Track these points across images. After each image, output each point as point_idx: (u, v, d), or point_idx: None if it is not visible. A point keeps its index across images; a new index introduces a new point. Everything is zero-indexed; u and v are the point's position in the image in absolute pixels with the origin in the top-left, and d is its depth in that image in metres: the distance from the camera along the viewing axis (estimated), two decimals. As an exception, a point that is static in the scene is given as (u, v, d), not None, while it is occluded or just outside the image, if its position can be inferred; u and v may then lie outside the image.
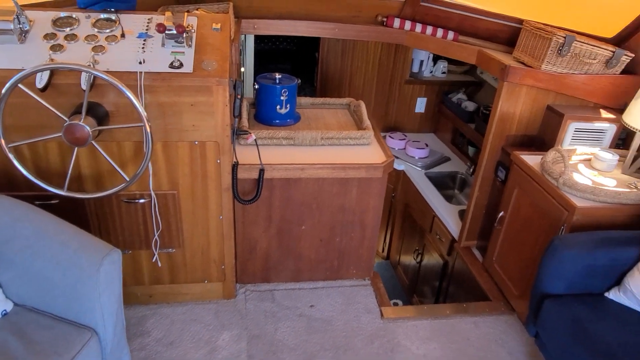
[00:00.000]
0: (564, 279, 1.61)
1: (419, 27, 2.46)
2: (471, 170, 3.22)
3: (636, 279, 1.53)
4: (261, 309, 2.04)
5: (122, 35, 1.61)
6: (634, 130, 1.87)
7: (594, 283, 1.63)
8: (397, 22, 2.45)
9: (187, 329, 1.91)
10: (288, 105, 2.09)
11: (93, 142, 1.47)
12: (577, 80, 2.09)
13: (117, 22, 1.63)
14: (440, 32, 2.45)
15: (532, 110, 2.18)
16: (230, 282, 2.03)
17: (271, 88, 2.04)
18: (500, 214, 2.18)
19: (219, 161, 1.71)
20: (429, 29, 2.46)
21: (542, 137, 2.20)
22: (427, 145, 3.44)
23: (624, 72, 2.14)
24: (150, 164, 1.66)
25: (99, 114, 1.52)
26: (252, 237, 2.03)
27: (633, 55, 2.08)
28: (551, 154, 1.92)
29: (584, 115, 2.08)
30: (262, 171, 1.79)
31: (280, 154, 1.92)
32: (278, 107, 2.07)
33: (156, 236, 1.82)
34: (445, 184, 3.34)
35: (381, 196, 2.01)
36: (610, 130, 2.13)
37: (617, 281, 1.62)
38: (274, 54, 4.81)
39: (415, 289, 3.25)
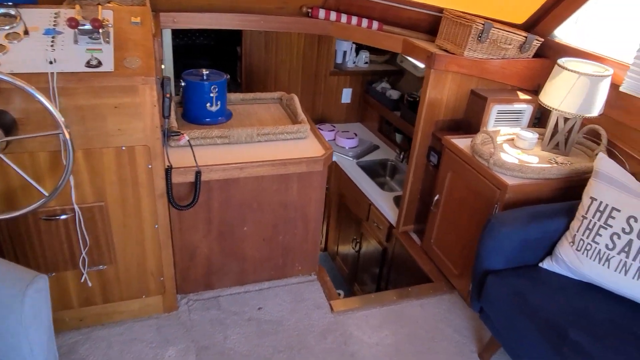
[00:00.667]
0: (502, 254, 1.69)
1: (344, 18, 2.46)
2: (401, 156, 3.31)
3: (566, 248, 1.64)
4: (207, 319, 1.93)
5: (26, 32, 1.42)
6: (550, 109, 2.00)
7: (529, 255, 1.73)
8: (322, 13, 2.43)
9: (128, 349, 1.76)
10: (219, 103, 1.99)
11: (0, 155, 1.28)
12: (496, 65, 2.21)
13: (18, 18, 1.44)
14: (365, 22, 2.47)
15: (457, 96, 2.27)
16: (171, 293, 1.90)
17: (199, 85, 1.93)
18: (436, 198, 2.26)
19: (150, 166, 1.58)
20: (354, 19, 2.46)
21: (469, 121, 2.30)
22: (356, 135, 3.48)
23: (535, 55, 2.29)
24: (71, 175, 1.49)
25: (4, 123, 1.33)
26: (192, 243, 1.92)
27: (542, 40, 2.23)
28: (480, 136, 2.01)
29: (505, 98, 2.20)
30: (198, 174, 1.69)
31: (215, 153, 1.82)
32: (208, 104, 1.96)
33: (83, 254, 1.65)
34: (376, 172, 3.40)
35: (322, 189, 1.99)
36: (527, 110, 2.28)
37: (549, 251, 1.73)
38: (191, 50, 4.60)
39: (355, 277, 3.29)
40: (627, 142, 2.04)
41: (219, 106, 2.00)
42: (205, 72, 1.97)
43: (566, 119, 2.01)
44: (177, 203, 1.70)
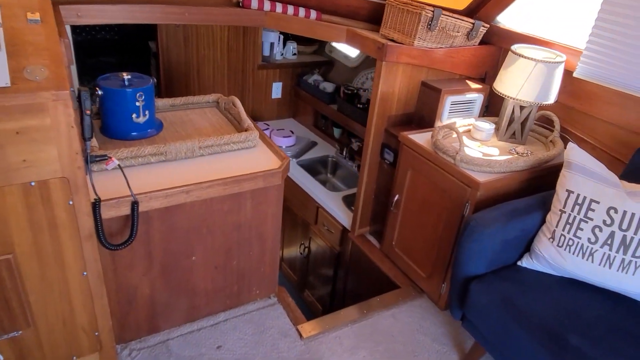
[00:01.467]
0: (484, 258, 1.59)
1: (279, 7, 2.21)
2: (343, 153, 3.14)
3: (545, 244, 1.58)
4: (157, 369, 1.63)
5: None
6: (505, 97, 1.93)
7: (507, 255, 1.65)
8: (255, 3, 2.16)
9: None
10: (147, 112, 1.66)
11: None
12: (445, 54, 2.10)
13: None
14: (302, 12, 2.24)
15: (408, 88, 2.14)
16: (110, 348, 1.57)
17: (122, 93, 1.59)
18: (395, 198, 2.12)
19: (71, 202, 1.25)
20: (290, 9, 2.22)
21: (421, 114, 2.18)
22: (292, 133, 3.26)
23: (480, 43, 2.22)
24: (-39, 227, 1.12)
25: None
26: (130, 284, 1.60)
27: (488, 26, 2.16)
28: (442, 131, 1.89)
29: (457, 88, 2.11)
30: (135, 204, 1.37)
31: (152, 175, 1.51)
32: (134, 115, 1.63)
33: (-11, 321, 1.27)
34: (317, 170, 3.21)
35: (279, 203, 1.76)
36: (478, 100, 2.21)
37: (526, 249, 1.66)
38: (92, 47, 4.05)
39: (306, 284, 3.10)
40: (578, 127, 2.03)
41: (147, 116, 1.67)
42: (126, 76, 1.63)
43: (522, 107, 1.96)
44: (109, 242, 1.38)
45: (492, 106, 2.31)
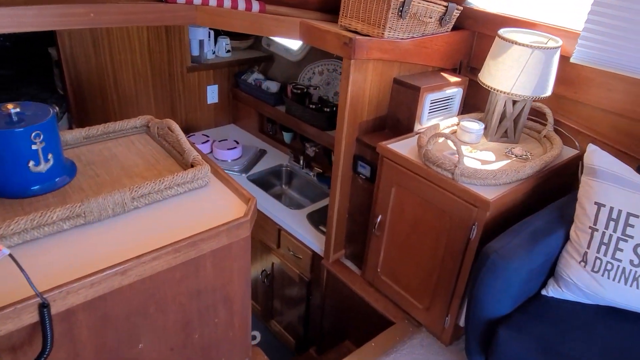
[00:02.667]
0: (509, 296, 1.31)
1: (213, 0, 1.78)
2: (300, 162, 2.77)
3: (575, 269, 1.32)
4: None
5: None
6: (496, 92, 1.66)
7: (532, 285, 1.38)
8: (181, -6, 1.71)
9: None
10: (50, 156, 1.20)
11: None
12: (418, 44, 1.78)
13: None
14: (242, 3, 1.82)
15: (379, 88, 1.80)
16: None
17: (9, 135, 1.11)
18: (378, 219, 1.79)
19: None
20: (227, 1, 1.80)
21: (395, 117, 1.86)
22: (237, 143, 2.83)
23: (452, 28, 1.93)
24: None
25: None
26: (53, 399, 1.14)
27: (462, 8, 1.87)
28: (431, 139, 1.57)
29: (436, 84, 1.80)
30: (45, 308, 0.93)
31: (66, 251, 1.06)
32: (32, 163, 1.16)
33: None
34: (271, 183, 2.82)
35: (247, 253, 1.36)
36: (458, 95, 1.92)
37: (548, 274, 1.40)
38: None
39: (272, 313, 2.72)
40: (572, 118, 1.81)
41: (51, 162, 1.20)
42: (13, 109, 1.15)
43: (514, 102, 1.69)
44: (12, 365, 0.92)
45: (470, 100, 2.04)
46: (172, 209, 1.24)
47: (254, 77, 3.02)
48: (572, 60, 1.66)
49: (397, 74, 1.83)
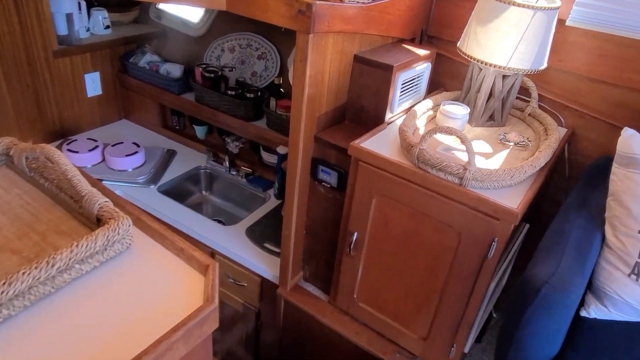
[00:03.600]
0: (563, 332, 1.02)
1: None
2: (225, 163, 2.26)
3: (623, 283, 1.08)
4: None
5: None
6: (483, 65, 1.34)
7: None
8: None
9: None
10: None
11: None
12: (382, 10, 1.39)
13: None
14: (135, -44, 1.25)
15: (340, 70, 1.39)
16: None
17: None
18: (354, 237, 1.41)
19: None
20: (112, -49, 1.22)
21: (359, 105, 1.47)
22: (138, 146, 2.23)
23: (411, -12, 1.56)
24: None
25: None
26: None
27: (424, -38, 1.50)
28: (428, 136, 1.21)
29: (407, 60, 1.43)
30: None
31: None
32: None
33: None
34: (188, 192, 2.29)
35: (209, 351, 0.90)
36: (426, 72, 1.58)
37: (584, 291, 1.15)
38: None
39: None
40: (557, 91, 1.57)
41: None
42: None
43: (504, 78, 1.39)
44: None
45: (432, 76, 1.71)
46: (70, 309, 0.72)
47: (147, 59, 2.40)
48: (568, 22, 1.40)
49: (358, 49, 1.42)
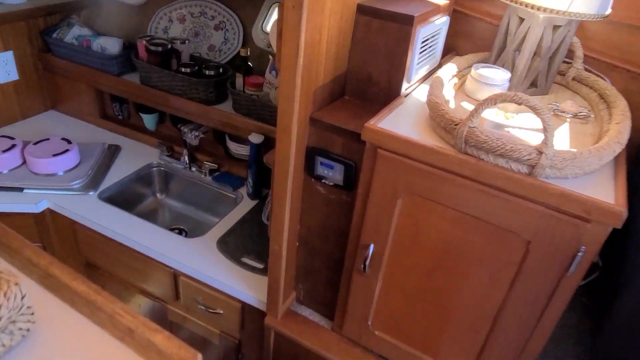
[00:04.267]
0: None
1: None
2: (183, 158, 1.83)
3: None
4: None
5: None
6: (534, 10, 1.01)
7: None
8: None
9: None
10: None
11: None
12: (392, -59, 1.02)
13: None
14: None
15: (341, 28, 1.01)
16: None
17: None
18: (370, 250, 1.06)
19: None
20: None
21: (365, 74, 1.10)
22: (69, 142, 1.77)
23: None
24: None
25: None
26: None
27: None
28: (480, 109, 0.85)
29: (426, 11, 1.07)
30: None
31: None
32: None
33: None
34: (140, 196, 1.86)
35: None
36: (444, 28, 1.23)
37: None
38: None
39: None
40: (601, 49, 1.26)
41: None
42: None
43: (555, 28, 1.06)
44: None
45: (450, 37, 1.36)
46: None
47: (76, 32, 1.92)
48: (636, -47, 1.08)
49: (361, -3, 1.05)
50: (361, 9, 1.03)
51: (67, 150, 1.69)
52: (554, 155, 0.79)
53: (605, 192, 0.80)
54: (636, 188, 1.00)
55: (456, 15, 1.38)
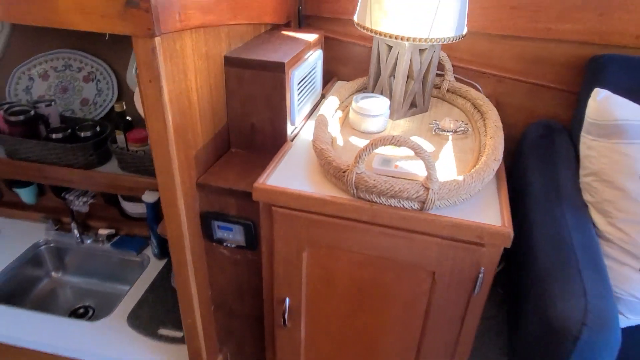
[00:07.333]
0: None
1: None
2: (75, 230, 1.66)
3: (634, 280, 0.86)
4: None
5: None
6: (399, 40, 1.03)
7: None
8: None
9: None
10: None
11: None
12: (247, -12, 0.99)
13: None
14: None
15: (210, 83, 0.96)
16: None
17: None
18: (286, 304, 1.02)
19: None
20: None
21: (247, 124, 1.06)
22: None
23: (273, -44, 1.18)
24: None
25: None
26: None
27: None
28: (364, 155, 0.84)
29: (295, 53, 1.05)
30: None
31: None
32: None
33: None
34: (31, 282, 1.67)
35: None
36: (319, 62, 1.22)
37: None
38: None
39: None
40: (468, 58, 1.34)
41: None
42: None
43: (421, 52, 1.10)
44: None
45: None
46: None
47: None
48: (478, -27, 1.14)
49: (228, 48, 1.00)
50: (229, 61, 0.99)
51: None
52: (440, 188, 0.81)
53: (493, 214, 0.84)
54: (553, 181, 1.04)
55: (331, 42, 1.39)
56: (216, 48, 0.95)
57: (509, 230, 0.79)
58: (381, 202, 0.84)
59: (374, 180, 0.82)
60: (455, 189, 0.82)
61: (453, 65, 1.32)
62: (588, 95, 1.10)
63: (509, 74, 1.30)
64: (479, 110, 1.15)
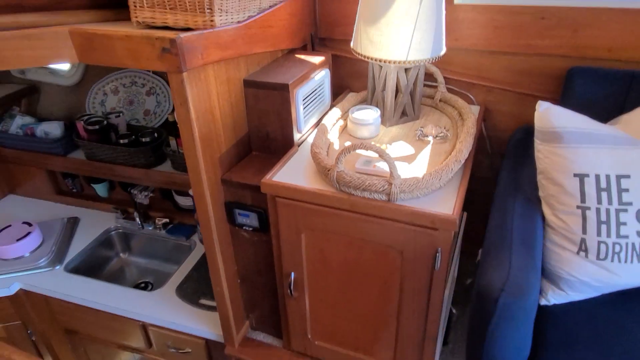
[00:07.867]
0: (530, 334, 0.95)
1: None
2: (137, 218, 2.02)
3: (575, 263, 1.03)
4: None
5: None
6: (383, 62, 1.25)
7: (533, 302, 1.05)
8: None
9: None
10: None
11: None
12: (262, 24, 1.25)
13: None
14: (-56, 22, 1.01)
15: (232, 101, 1.23)
16: None
17: None
18: (292, 277, 1.27)
19: None
20: None
21: (263, 132, 1.32)
22: (30, 225, 1.93)
23: (289, -7, 1.43)
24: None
25: None
26: None
27: (295, -36, 1.38)
28: (342, 157, 1.08)
29: (302, 74, 1.30)
30: None
31: None
32: None
33: None
34: (105, 260, 2.04)
35: None
36: (326, 78, 1.46)
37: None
38: None
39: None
40: (460, 70, 1.51)
41: None
42: None
43: (407, 71, 1.30)
44: None
45: (333, 80, 1.60)
46: None
47: (19, 122, 2.09)
48: (456, 1, 1.33)
49: (246, 73, 1.27)
50: (247, 84, 1.25)
51: (29, 233, 1.86)
52: (401, 183, 1.02)
53: (446, 205, 1.03)
54: (516, 179, 1.21)
55: (341, 59, 1.62)
56: (236, 73, 1.22)
57: (456, 217, 0.99)
58: (357, 194, 1.06)
59: (350, 177, 1.05)
60: (415, 184, 1.03)
61: (448, 77, 1.51)
62: (566, 103, 1.26)
63: (498, 85, 1.47)
64: (462, 118, 1.34)
